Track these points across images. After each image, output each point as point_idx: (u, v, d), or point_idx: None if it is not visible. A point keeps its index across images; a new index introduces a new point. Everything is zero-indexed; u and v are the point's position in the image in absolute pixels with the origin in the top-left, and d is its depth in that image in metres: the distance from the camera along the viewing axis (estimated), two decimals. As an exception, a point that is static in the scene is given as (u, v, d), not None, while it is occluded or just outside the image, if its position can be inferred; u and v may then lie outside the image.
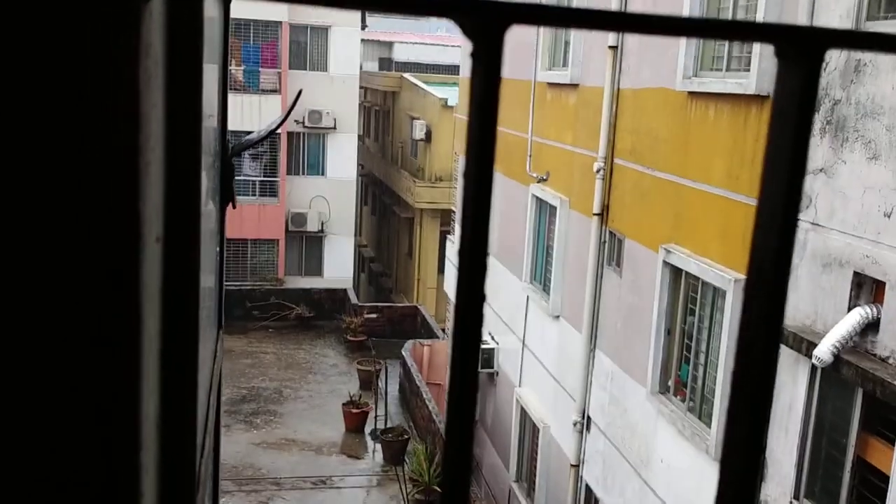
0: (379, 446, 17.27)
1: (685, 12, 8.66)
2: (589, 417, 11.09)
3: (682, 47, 8.68)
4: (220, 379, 1.80)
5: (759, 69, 7.39)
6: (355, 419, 18.11)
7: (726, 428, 0.48)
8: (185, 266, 0.71)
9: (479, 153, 0.40)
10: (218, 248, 1.73)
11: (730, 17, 8.20)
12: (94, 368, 0.51)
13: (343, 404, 18.32)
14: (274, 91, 25.95)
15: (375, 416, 17.99)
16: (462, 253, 0.42)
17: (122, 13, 0.46)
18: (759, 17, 7.44)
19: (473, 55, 0.39)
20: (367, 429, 18.15)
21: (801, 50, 0.45)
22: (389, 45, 35.98)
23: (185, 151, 0.69)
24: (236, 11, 26.64)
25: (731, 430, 0.47)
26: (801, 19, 6.89)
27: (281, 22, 25.80)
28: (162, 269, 0.65)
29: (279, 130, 25.73)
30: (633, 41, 10.06)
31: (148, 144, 0.53)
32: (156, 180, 0.60)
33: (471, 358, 0.41)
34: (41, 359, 0.50)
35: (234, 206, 1.78)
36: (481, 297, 0.41)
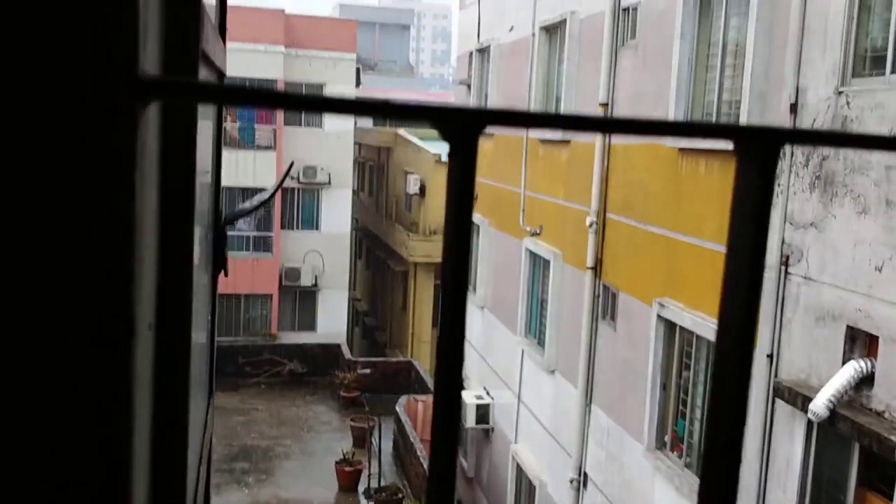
0: (373, 505, 16.99)
1: (673, 80, 8.81)
2: (585, 474, 10.96)
3: (672, 104, 8.82)
4: (210, 447, 1.79)
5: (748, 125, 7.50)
6: (349, 477, 17.85)
7: (702, 472, 0.49)
8: (176, 351, 0.71)
9: (455, 244, 0.41)
10: (209, 317, 1.73)
11: (717, 77, 8.34)
12: (85, 456, 0.52)
13: (336, 462, 18.08)
14: (269, 147, 26.18)
15: (369, 474, 17.74)
16: (440, 345, 0.42)
17: (121, 117, 0.48)
18: (747, 76, 7.58)
19: (450, 155, 0.40)
20: (361, 487, 17.88)
21: (758, 147, 0.47)
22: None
23: (177, 242, 0.70)
24: (232, 69, 26.96)
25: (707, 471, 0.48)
26: (788, 77, 7.02)
27: (276, 80, 26.14)
28: (154, 354, 0.66)
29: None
30: (623, 98, 10.21)
31: (142, 241, 0.55)
32: (148, 272, 0.61)
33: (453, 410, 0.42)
34: (33, 449, 0.51)
35: (226, 275, 1.79)
36: (459, 387, 0.42)
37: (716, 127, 0.52)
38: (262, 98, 0.39)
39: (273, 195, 3.28)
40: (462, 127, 0.39)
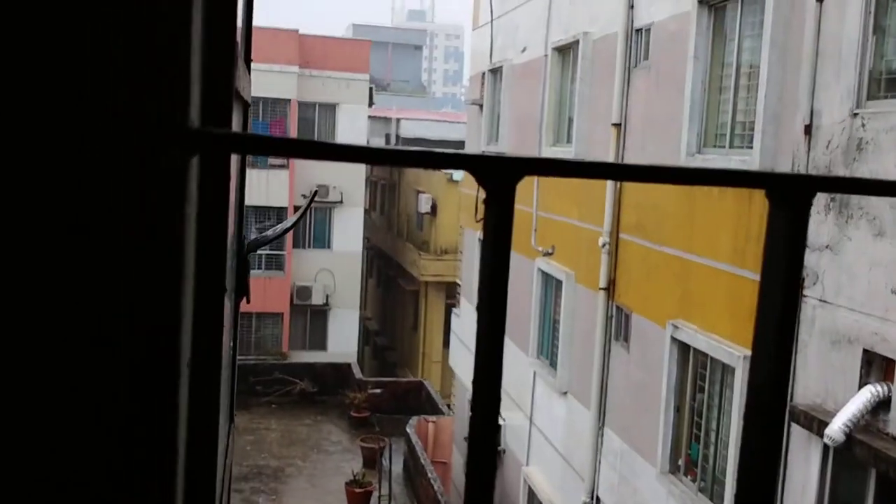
0: (383, 526, 16.88)
1: (686, 101, 8.81)
2: (598, 497, 10.86)
3: (686, 124, 8.81)
4: (231, 474, 1.78)
5: (762, 146, 7.48)
6: (359, 499, 17.75)
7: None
8: (207, 388, 0.72)
9: (493, 289, 0.40)
10: (232, 343, 1.72)
11: (731, 98, 8.33)
12: (132, 480, 0.54)
13: (346, 483, 18.00)
14: (282, 167, 26.31)
15: (379, 496, 17.64)
16: (476, 383, 0.41)
17: (173, 168, 0.50)
18: (761, 98, 7.56)
19: (487, 202, 0.39)
20: (371, 508, 17.78)
21: (790, 195, 0.46)
22: (396, 121, 36.66)
23: (211, 282, 0.71)
24: (246, 89, 27.18)
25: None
26: (803, 99, 6.99)
27: (290, 99, 26.32)
28: (188, 392, 0.67)
29: (286, 205, 25.98)
30: (636, 119, 10.21)
31: (187, 281, 0.56)
32: (188, 311, 0.62)
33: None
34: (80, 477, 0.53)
35: (248, 301, 1.79)
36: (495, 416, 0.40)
37: (748, 175, 0.51)
38: (302, 148, 0.39)
39: (297, 223, 3.30)
40: (500, 176, 0.38)
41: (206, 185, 0.69)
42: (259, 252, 26.67)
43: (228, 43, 0.82)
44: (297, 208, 26.88)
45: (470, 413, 0.42)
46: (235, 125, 1.29)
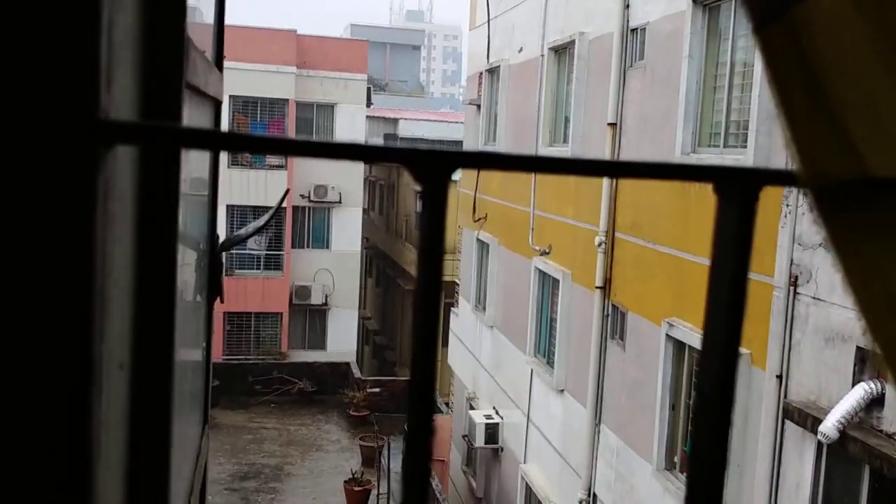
0: (382, 525, 16.91)
1: (681, 100, 8.84)
2: (595, 495, 10.89)
3: (680, 123, 8.84)
4: (205, 475, 1.79)
5: (756, 145, 7.51)
6: (357, 497, 17.78)
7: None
8: (155, 392, 0.72)
9: (426, 285, 0.43)
10: (205, 343, 1.75)
11: (725, 97, 8.37)
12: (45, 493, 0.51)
13: (345, 482, 18.02)
14: (280, 167, 26.31)
15: (378, 494, 17.67)
16: (413, 369, 0.45)
17: (81, 160, 0.48)
18: (755, 96, 7.59)
19: (421, 197, 0.42)
20: (370, 506, 17.80)
21: (738, 188, 0.48)
22: (394, 121, 36.64)
23: (157, 279, 0.72)
24: (244, 89, 26.96)
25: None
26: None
27: (288, 99, 26.32)
28: (129, 394, 0.66)
29: (284, 205, 25.98)
30: (631, 118, 10.24)
31: (109, 280, 0.55)
32: (119, 310, 0.61)
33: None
34: None
35: (222, 301, 1.81)
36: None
37: (695, 168, 0.52)
38: (226, 141, 0.41)
39: (268, 222, 3.32)
40: (433, 170, 0.41)
41: (147, 180, 0.68)
42: (257, 252, 26.67)
43: (176, 36, 0.80)
44: (295, 208, 26.89)
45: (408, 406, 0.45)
46: (195, 122, 1.30)
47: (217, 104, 1.71)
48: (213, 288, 1.68)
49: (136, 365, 0.68)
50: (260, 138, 0.41)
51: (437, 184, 0.42)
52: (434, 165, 0.42)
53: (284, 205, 25.98)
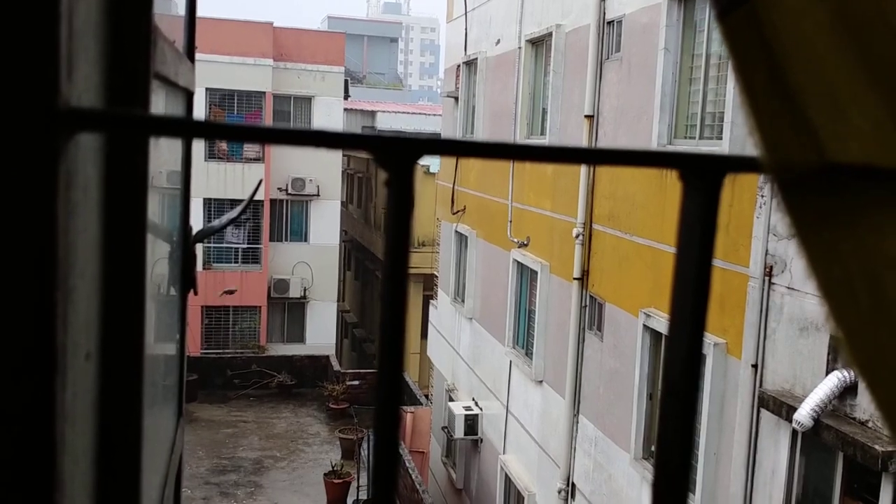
0: (362, 517, 16.92)
1: (657, 92, 8.89)
2: (573, 484, 10.97)
3: (657, 114, 8.89)
4: (180, 469, 1.79)
5: (731, 137, 7.57)
6: (337, 490, 17.78)
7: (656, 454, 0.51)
8: (124, 382, 0.72)
9: (392, 269, 0.43)
10: (179, 336, 1.74)
11: (701, 89, 8.42)
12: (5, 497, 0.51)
13: (325, 474, 18.01)
14: (257, 160, 26.17)
15: (358, 486, 17.68)
16: (380, 361, 0.45)
17: (40, 148, 0.48)
18: (731, 88, 7.65)
19: (386, 183, 0.42)
20: (350, 499, 17.81)
21: (703, 175, 0.48)
22: (372, 114, 36.54)
23: (126, 268, 0.71)
24: (220, 82, 26.79)
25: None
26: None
27: (265, 92, 26.17)
28: (97, 385, 0.66)
29: (262, 199, 25.86)
30: (608, 110, 10.28)
31: (73, 271, 0.54)
32: (85, 299, 0.61)
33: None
34: None
35: (195, 293, 1.80)
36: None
37: (660, 155, 0.52)
38: (189, 128, 0.41)
39: (242, 213, 3.31)
40: (399, 156, 0.41)
41: (113, 169, 0.67)
42: (236, 245, 26.53)
43: (142, 25, 0.79)
44: (273, 201, 26.76)
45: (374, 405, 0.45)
46: (166, 112, 1.28)
47: (189, 95, 1.70)
48: (186, 280, 1.67)
49: (105, 355, 0.68)
50: (225, 126, 0.41)
51: (402, 170, 0.42)
52: (399, 152, 0.42)
53: (262, 197, 25.87)
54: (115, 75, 0.69)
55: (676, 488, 0.50)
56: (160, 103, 1.16)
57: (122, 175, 0.68)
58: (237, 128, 0.40)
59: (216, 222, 3.53)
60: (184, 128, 0.41)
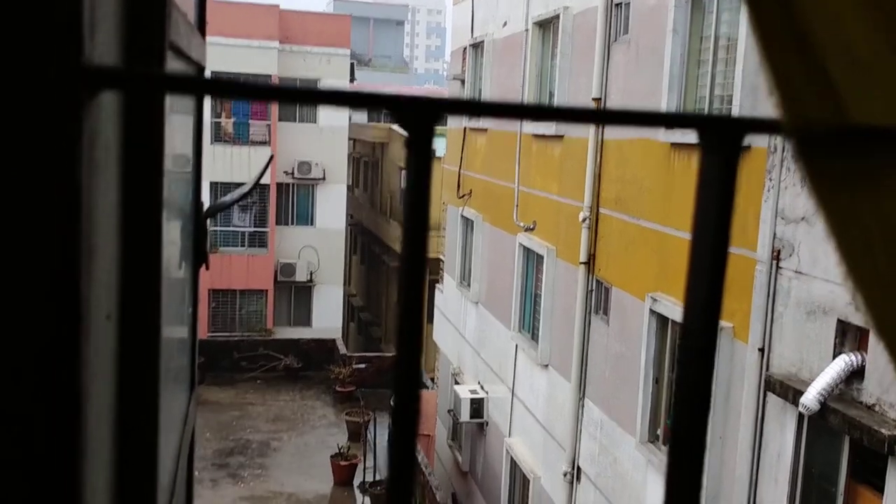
0: (368, 499, 17.02)
1: (665, 74, 8.84)
2: (579, 467, 11.00)
3: (665, 97, 8.85)
4: (193, 441, 1.80)
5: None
6: (344, 472, 17.89)
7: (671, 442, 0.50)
8: (143, 342, 0.72)
9: (413, 231, 0.43)
10: (191, 309, 1.75)
11: (709, 71, 8.37)
12: (31, 453, 0.51)
13: (331, 456, 18.11)
14: (263, 143, 26.15)
15: (364, 469, 17.78)
16: (400, 325, 0.45)
17: (62, 112, 0.48)
18: (739, 70, 7.60)
19: (407, 144, 0.42)
20: (356, 481, 17.92)
21: (722, 137, 0.48)
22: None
23: (142, 232, 0.71)
24: (226, 65, 26.74)
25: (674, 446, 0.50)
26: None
27: (271, 75, 26.11)
28: (117, 346, 0.66)
29: (268, 182, 25.86)
30: (616, 92, 10.23)
31: (95, 230, 0.55)
32: (106, 260, 0.62)
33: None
34: None
35: (206, 268, 1.81)
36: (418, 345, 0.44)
37: (679, 116, 0.52)
38: (208, 87, 0.41)
39: (253, 188, 3.31)
40: (419, 116, 0.41)
41: (132, 128, 0.68)
42: (242, 229, 26.56)
43: None
44: (279, 185, 26.77)
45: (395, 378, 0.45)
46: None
47: (200, 70, 1.70)
48: (198, 254, 1.68)
49: (123, 316, 0.68)
50: (242, 84, 0.41)
51: (423, 131, 0.42)
52: (420, 112, 0.42)
53: (268, 181, 25.87)
54: (132, 42, 0.70)
55: (691, 474, 0.50)
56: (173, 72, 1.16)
57: (140, 134, 0.68)
58: (257, 87, 0.39)
59: (228, 197, 3.54)
60: (202, 86, 0.41)
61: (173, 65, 1.08)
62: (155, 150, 0.73)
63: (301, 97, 0.42)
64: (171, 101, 0.97)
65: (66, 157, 0.49)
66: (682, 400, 0.52)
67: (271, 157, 4.52)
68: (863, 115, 0.44)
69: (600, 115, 0.47)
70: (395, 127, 30.50)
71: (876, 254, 0.46)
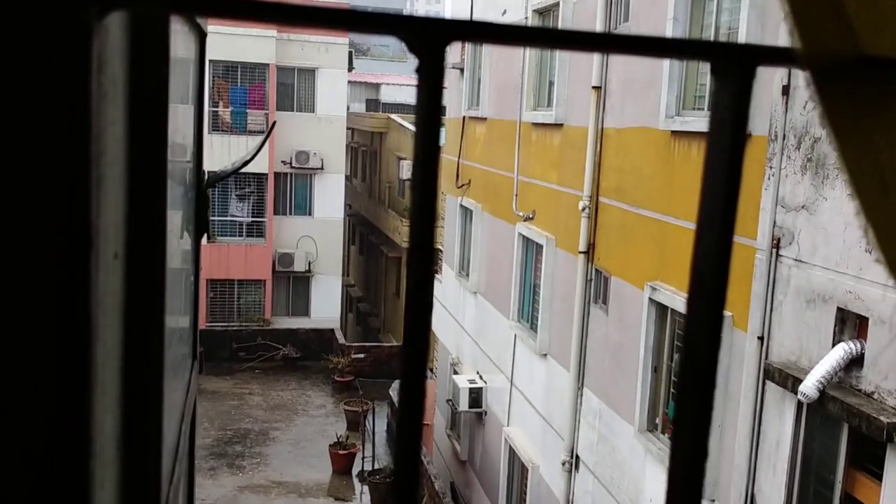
0: (367, 488, 17.06)
1: (664, 76, 8.80)
2: (577, 457, 11.02)
3: (665, 87, 8.82)
4: (195, 411, 1.79)
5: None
6: (343, 461, 17.92)
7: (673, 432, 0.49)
8: (149, 282, 0.71)
9: (424, 163, 0.42)
10: (193, 278, 1.73)
11: (708, 77, 8.34)
12: (41, 381, 0.51)
13: (330, 445, 18.14)
14: (261, 132, 26.07)
15: (363, 458, 17.81)
16: (411, 258, 0.43)
17: (71, 31, 0.48)
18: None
19: (418, 70, 0.40)
20: (355, 470, 17.95)
21: (734, 66, 0.47)
22: (376, 86, 36.38)
23: (148, 168, 0.70)
24: (224, 54, 26.65)
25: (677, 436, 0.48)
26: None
27: (268, 64, 26.03)
28: (124, 285, 0.65)
29: (266, 172, 25.81)
30: (616, 82, 10.20)
31: (103, 159, 0.54)
32: (113, 196, 0.61)
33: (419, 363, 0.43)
34: None
35: (209, 239, 1.80)
36: (428, 306, 0.43)
37: (689, 43, 0.50)
38: (216, 5, 0.39)
39: (254, 157, 3.29)
40: (430, 39, 0.39)
41: (137, 51, 0.66)
42: (240, 219, 26.53)
43: None
44: (277, 174, 26.72)
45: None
46: (182, 49, 1.27)
47: (202, 36, 1.68)
48: (200, 223, 1.67)
49: (130, 255, 0.67)
50: (248, 3, 0.39)
51: (433, 54, 0.40)
52: (431, 35, 0.40)
53: (266, 171, 25.82)
54: None
55: (695, 465, 0.48)
56: (178, 40, 1.14)
57: (146, 58, 0.67)
58: (264, 4, 0.38)
59: (228, 165, 3.52)
60: (214, 5, 0.39)
61: (177, 30, 1.06)
62: (161, 79, 0.71)
63: (308, 17, 0.40)
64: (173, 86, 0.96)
65: (76, 75, 0.48)
66: (684, 385, 0.51)
67: (274, 123, 4.49)
68: (876, 47, 0.43)
69: (609, 40, 0.46)
70: (394, 116, 30.34)
71: (889, 187, 0.45)
